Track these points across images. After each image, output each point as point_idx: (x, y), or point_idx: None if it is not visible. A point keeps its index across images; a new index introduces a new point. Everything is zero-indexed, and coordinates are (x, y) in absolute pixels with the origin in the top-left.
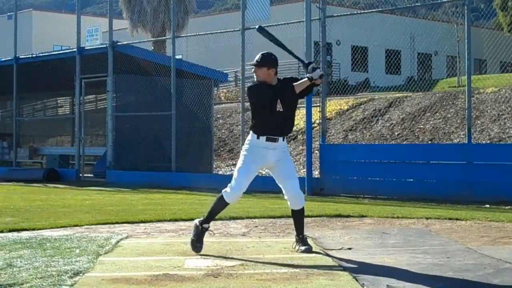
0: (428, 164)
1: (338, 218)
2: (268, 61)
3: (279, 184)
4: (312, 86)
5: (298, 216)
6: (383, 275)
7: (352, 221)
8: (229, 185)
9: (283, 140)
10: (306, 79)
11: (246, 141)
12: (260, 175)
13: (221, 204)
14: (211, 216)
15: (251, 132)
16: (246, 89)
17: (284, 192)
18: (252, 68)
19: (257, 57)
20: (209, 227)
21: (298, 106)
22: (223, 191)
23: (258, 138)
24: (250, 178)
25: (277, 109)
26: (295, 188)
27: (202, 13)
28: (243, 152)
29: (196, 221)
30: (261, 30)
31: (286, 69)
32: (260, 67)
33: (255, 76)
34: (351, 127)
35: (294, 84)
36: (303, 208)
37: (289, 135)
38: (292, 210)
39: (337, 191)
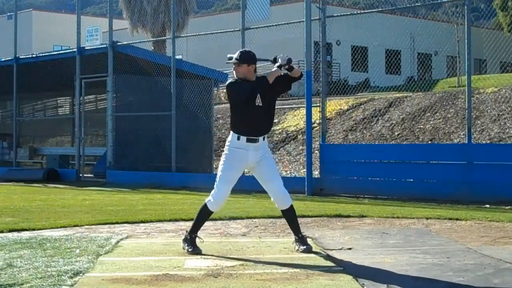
0: (428, 164)
1: (338, 218)
2: (247, 58)
3: (262, 185)
4: (291, 79)
5: (289, 215)
6: (383, 275)
7: (352, 221)
8: (211, 193)
9: (264, 139)
10: (276, 68)
11: (227, 143)
12: None
13: (205, 213)
14: (198, 225)
15: (231, 132)
16: (225, 87)
17: (269, 193)
18: (232, 66)
19: (236, 54)
20: (197, 235)
21: (298, 106)
22: (206, 200)
23: (238, 139)
24: (231, 185)
25: (257, 104)
26: (279, 189)
27: (202, 13)
28: (223, 157)
29: (184, 237)
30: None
31: None
32: (241, 64)
33: (234, 74)
34: (351, 127)
35: (266, 75)
36: (292, 207)
37: (289, 135)
38: (282, 211)
39: (337, 191)
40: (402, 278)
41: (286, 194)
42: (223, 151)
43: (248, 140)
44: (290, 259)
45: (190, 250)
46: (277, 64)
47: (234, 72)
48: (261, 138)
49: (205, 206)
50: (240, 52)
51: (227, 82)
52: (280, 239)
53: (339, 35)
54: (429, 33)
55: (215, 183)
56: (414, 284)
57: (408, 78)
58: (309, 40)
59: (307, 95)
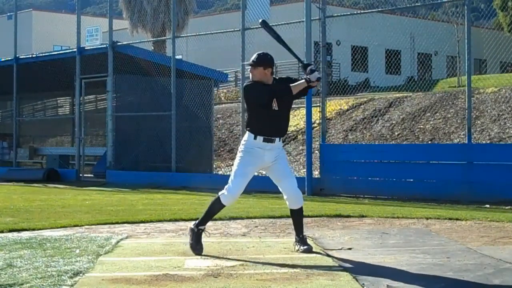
0: (428, 164)
1: (338, 218)
2: (264, 61)
3: (276, 184)
4: (308, 87)
5: (297, 216)
6: (383, 275)
7: (352, 221)
8: (225, 187)
9: (279, 140)
10: (304, 81)
11: (242, 141)
12: (260, 175)
13: (217, 206)
14: (207, 218)
15: (247, 132)
16: (242, 88)
17: (282, 192)
18: (249, 68)
19: (253, 57)
20: (205, 228)
21: (298, 106)
22: (220, 193)
23: (255, 138)
24: (247, 180)
25: (273, 107)
26: (293, 187)
27: (202, 13)
28: (239, 154)
29: (191, 225)
30: (264, 24)
31: (287, 68)
32: (256, 67)
33: (251, 76)
34: (351, 127)
35: (292, 85)
36: (301, 208)
37: (289, 135)
38: (291, 210)
39: (337, 191)
40: (402, 278)
41: (299, 194)
42: (223, 151)
43: (265, 140)
44: (290, 259)
45: (191, 242)
46: (306, 77)
47: (250, 74)
48: (277, 139)
49: (217, 199)
50: (257, 54)
51: (245, 84)
52: (280, 239)
53: (339, 35)
54: (429, 33)
55: (230, 178)
56: (414, 284)
57: (408, 78)
58: (309, 40)
59: (307, 95)
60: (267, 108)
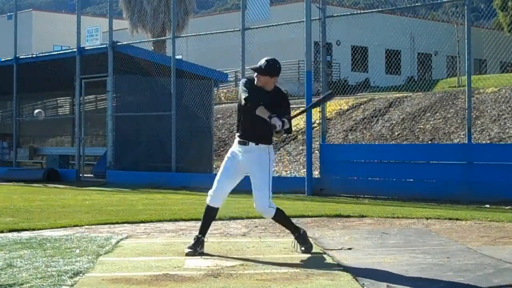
0: (428, 164)
1: (338, 218)
2: (273, 70)
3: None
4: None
5: (278, 221)
6: (383, 275)
7: (352, 221)
8: (210, 190)
9: (257, 145)
10: (270, 117)
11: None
12: None
13: (209, 211)
14: (205, 226)
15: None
16: (244, 79)
17: None
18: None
19: (262, 63)
20: (203, 238)
21: (298, 106)
22: (206, 199)
23: (236, 138)
24: (229, 180)
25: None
26: (258, 201)
27: (202, 13)
28: (226, 155)
29: (196, 234)
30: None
31: (287, 68)
32: (264, 75)
33: (256, 80)
34: (351, 127)
35: (260, 108)
36: (276, 216)
37: (289, 135)
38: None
39: (337, 191)
40: (402, 278)
41: (263, 208)
42: (223, 151)
43: (239, 142)
44: (290, 259)
45: (187, 246)
46: (273, 117)
47: (255, 78)
48: (252, 144)
49: (206, 205)
50: (266, 61)
51: (246, 78)
52: (280, 239)
53: (339, 35)
54: (429, 33)
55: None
56: (414, 284)
57: (408, 78)
58: (309, 40)
59: (307, 95)
60: (251, 108)
